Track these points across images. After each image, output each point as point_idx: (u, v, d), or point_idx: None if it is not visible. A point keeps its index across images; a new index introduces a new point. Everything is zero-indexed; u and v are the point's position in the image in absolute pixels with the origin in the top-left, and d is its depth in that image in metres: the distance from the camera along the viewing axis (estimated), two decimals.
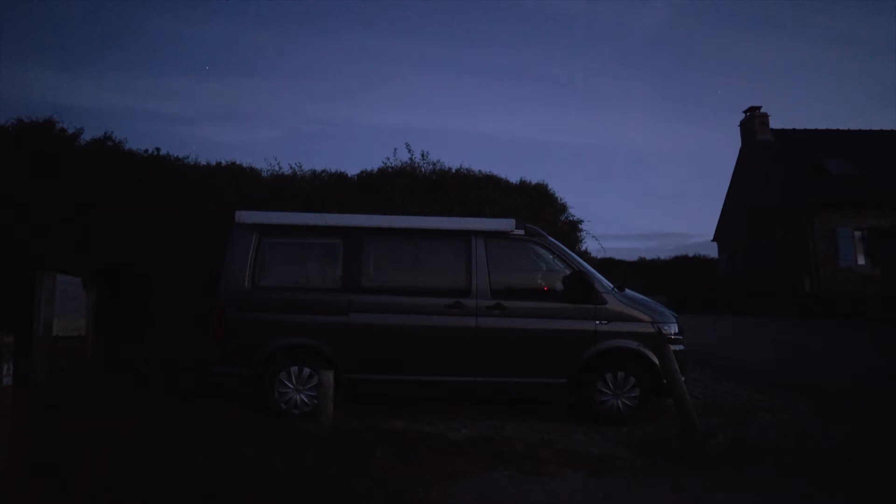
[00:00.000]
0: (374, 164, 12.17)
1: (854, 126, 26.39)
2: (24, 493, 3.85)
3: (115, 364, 7.43)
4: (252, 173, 11.32)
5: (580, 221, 11.98)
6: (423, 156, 11.86)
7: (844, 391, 7.83)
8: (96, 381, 6.84)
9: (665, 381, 5.75)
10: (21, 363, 4.46)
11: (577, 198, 39.19)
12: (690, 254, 35.69)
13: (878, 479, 4.75)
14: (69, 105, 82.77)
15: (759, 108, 25.95)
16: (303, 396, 6.29)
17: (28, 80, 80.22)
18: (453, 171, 11.83)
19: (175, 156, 10.81)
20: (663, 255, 35.99)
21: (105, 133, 10.40)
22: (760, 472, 4.85)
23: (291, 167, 11.72)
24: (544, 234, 6.94)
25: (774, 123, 25.95)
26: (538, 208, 11.21)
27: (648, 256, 36.05)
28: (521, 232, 6.70)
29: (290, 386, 6.29)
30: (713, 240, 30.13)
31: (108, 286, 8.03)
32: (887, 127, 26.42)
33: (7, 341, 3.77)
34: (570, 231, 11.61)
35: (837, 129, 25.81)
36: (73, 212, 8.45)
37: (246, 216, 6.61)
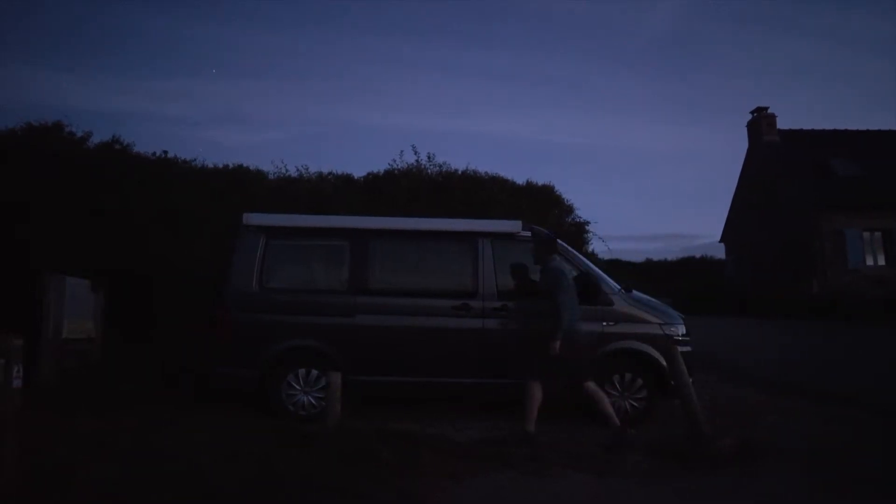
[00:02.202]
0: (380, 166, 12.19)
1: (862, 127, 26.24)
2: (31, 493, 3.88)
3: (121, 365, 7.46)
4: (258, 176, 11.36)
5: (586, 223, 11.99)
6: (429, 157, 11.86)
7: (852, 393, 7.78)
8: (103, 382, 6.87)
9: (672, 382, 5.74)
10: (28, 364, 4.49)
11: (583, 199, 39.19)
12: (697, 255, 35.48)
13: (886, 482, 4.73)
14: (78, 108, 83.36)
15: (766, 108, 25.86)
16: (310, 398, 6.30)
17: (37, 84, 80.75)
18: (459, 172, 11.84)
19: (182, 158, 10.89)
20: (670, 257, 35.85)
21: (113, 136, 10.48)
22: (768, 474, 4.83)
23: (298, 169, 11.74)
24: (551, 235, 6.92)
25: (781, 124, 25.87)
26: (544, 210, 11.21)
27: (655, 258, 35.86)
28: (528, 234, 6.70)
29: (298, 388, 6.30)
30: (720, 241, 30.02)
31: (114, 288, 8.08)
32: (895, 127, 26.29)
33: (16, 344, 3.81)
34: (577, 232, 11.61)
35: (845, 130, 25.66)
36: (80, 214, 8.51)
37: (253, 218, 6.63)
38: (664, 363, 6.10)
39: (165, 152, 10.60)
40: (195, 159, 11.04)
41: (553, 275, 5.77)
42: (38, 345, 6.68)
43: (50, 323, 6.92)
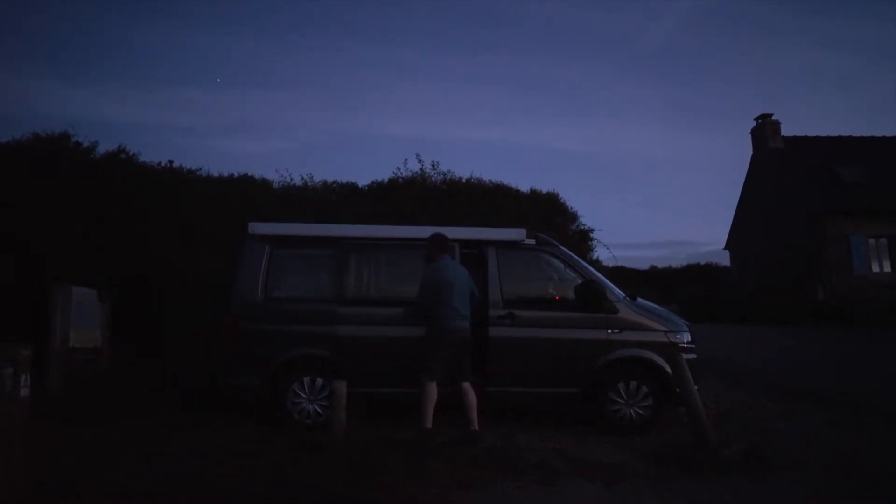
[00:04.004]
0: (384, 175, 12.28)
1: (867, 132, 26.21)
2: (39, 500, 3.90)
3: (128, 374, 7.49)
4: (264, 185, 11.42)
5: (591, 230, 12.03)
6: (433, 166, 11.94)
7: (859, 399, 7.76)
8: (110, 391, 6.89)
9: (677, 390, 5.73)
10: (36, 373, 4.52)
11: (587, 206, 39.32)
12: (702, 262, 35.45)
13: (893, 486, 4.71)
14: (84, 119, 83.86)
15: (771, 115, 25.84)
16: (315, 407, 6.30)
17: (44, 95, 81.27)
18: (463, 180, 11.90)
19: (188, 168, 10.97)
20: (675, 264, 35.73)
21: (119, 146, 10.56)
22: (775, 481, 4.82)
23: (303, 178, 11.83)
24: (555, 243, 6.93)
25: (786, 130, 25.85)
26: (549, 217, 11.24)
27: (660, 265, 35.82)
28: (533, 241, 6.70)
29: (303, 396, 6.30)
30: (725, 248, 29.96)
31: (122, 297, 8.12)
32: None
33: (24, 353, 3.84)
34: (581, 240, 11.63)
35: (850, 136, 25.62)
36: (87, 224, 8.56)
37: (258, 228, 6.65)
38: (669, 370, 6.09)
39: (171, 162, 10.70)
40: (200, 168, 11.12)
41: (427, 271, 6.04)
42: (45, 354, 6.71)
43: (57, 333, 6.95)
